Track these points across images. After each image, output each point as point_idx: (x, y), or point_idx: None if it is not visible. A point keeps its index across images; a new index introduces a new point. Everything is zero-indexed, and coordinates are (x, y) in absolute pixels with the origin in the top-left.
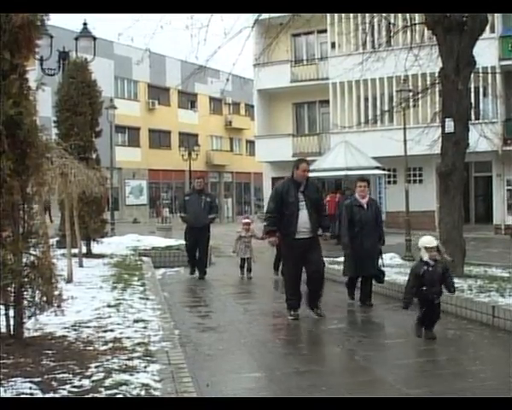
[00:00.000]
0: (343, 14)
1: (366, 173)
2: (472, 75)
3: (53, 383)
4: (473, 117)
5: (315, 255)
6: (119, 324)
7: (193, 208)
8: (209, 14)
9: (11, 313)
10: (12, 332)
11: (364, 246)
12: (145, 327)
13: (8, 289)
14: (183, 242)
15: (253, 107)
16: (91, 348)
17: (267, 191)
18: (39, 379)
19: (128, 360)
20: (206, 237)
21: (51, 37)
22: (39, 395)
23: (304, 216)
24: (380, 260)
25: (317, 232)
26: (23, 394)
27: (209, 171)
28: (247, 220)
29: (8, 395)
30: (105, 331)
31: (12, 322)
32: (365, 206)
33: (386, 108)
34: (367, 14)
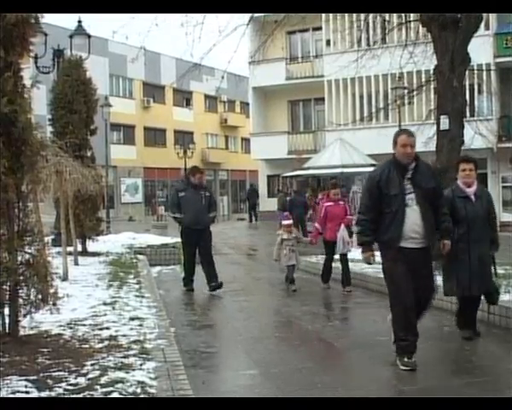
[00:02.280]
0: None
1: (361, 171)
2: (467, 72)
3: (48, 381)
4: (468, 114)
5: (426, 277)
6: (114, 321)
7: (191, 206)
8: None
9: (6, 311)
10: (7, 330)
11: (475, 254)
12: (141, 325)
13: (4, 287)
14: (179, 239)
15: (248, 104)
16: (87, 345)
17: (263, 189)
18: (35, 377)
19: (124, 357)
20: (210, 241)
21: (46, 34)
22: (35, 393)
23: (414, 215)
24: (493, 272)
25: (433, 239)
26: (18, 392)
27: (204, 169)
28: (288, 222)
29: (4, 393)
30: (101, 329)
31: (7, 320)
32: (472, 197)
33: (381, 105)
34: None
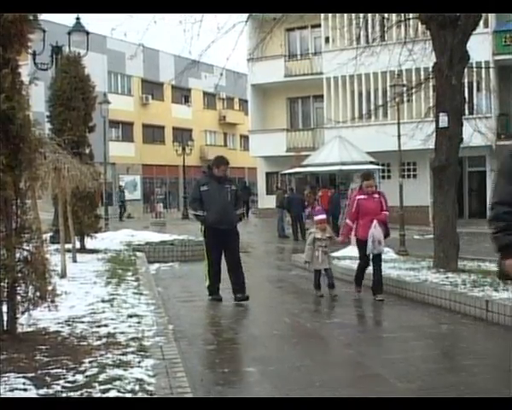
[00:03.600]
0: None
1: (360, 168)
2: (466, 70)
3: (46, 378)
4: (467, 112)
5: None
6: (112, 319)
7: (215, 203)
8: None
9: (4, 308)
10: (5, 328)
11: None
12: (139, 322)
13: (2, 284)
14: (178, 237)
15: (246, 102)
16: (85, 343)
17: (261, 186)
18: (33, 375)
19: (122, 355)
20: (237, 243)
21: (44, 31)
22: (33, 390)
23: None
24: None
25: None
26: (16, 389)
27: (203, 166)
28: (321, 216)
29: (2, 390)
30: (99, 326)
31: (5, 317)
32: None
33: (380, 102)
34: None
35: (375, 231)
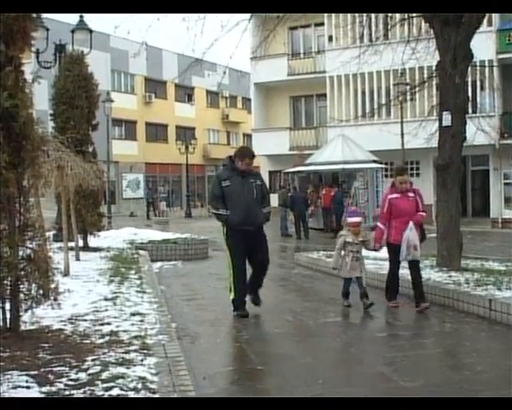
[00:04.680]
0: None
1: (363, 167)
2: (469, 69)
3: (49, 376)
4: (470, 110)
5: None
6: (115, 317)
7: (238, 200)
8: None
9: (7, 306)
10: (8, 325)
11: None
12: (142, 320)
13: (5, 282)
14: (181, 235)
15: (250, 100)
16: (88, 341)
17: None
18: (36, 372)
19: (125, 353)
20: (266, 247)
21: (47, 29)
22: (36, 388)
23: None
24: None
25: None
26: (19, 387)
27: (206, 164)
28: (356, 219)
29: (4, 388)
30: (102, 325)
31: (8, 315)
32: None
33: (383, 101)
34: None
35: (411, 234)
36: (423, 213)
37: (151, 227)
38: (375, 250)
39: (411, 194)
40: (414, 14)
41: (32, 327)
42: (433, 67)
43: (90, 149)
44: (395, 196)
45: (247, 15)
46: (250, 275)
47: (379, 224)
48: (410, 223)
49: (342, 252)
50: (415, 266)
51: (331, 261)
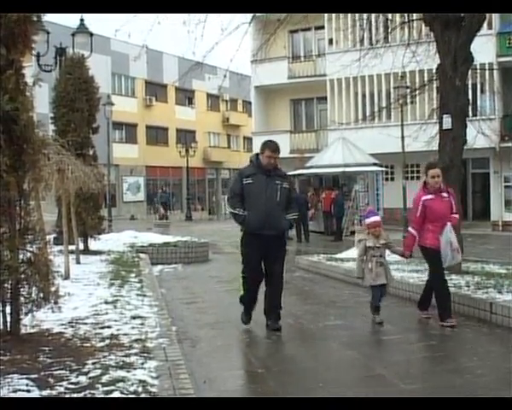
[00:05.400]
0: None
1: (364, 170)
2: (469, 72)
3: (50, 379)
4: (470, 113)
5: None
6: (116, 320)
7: (259, 200)
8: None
9: (8, 309)
10: (9, 329)
11: None
12: (142, 324)
13: (5, 285)
14: (181, 238)
15: (250, 103)
16: (88, 344)
17: None
18: (36, 376)
19: (125, 356)
20: (283, 256)
21: (48, 32)
22: (36, 391)
23: None
24: None
25: None
26: (19, 390)
27: (206, 167)
28: (375, 218)
29: (5, 391)
30: (102, 328)
31: (9, 318)
32: None
33: (383, 104)
34: None
35: (452, 236)
36: (457, 216)
37: (151, 230)
38: (404, 256)
39: (445, 194)
40: (414, 17)
41: (32, 330)
42: (434, 70)
43: (91, 152)
44: (429, 197)
45: (248, 19)
46: (265, 291)
47: (410, 229)
48: (448, 224)
49: (364, 258)
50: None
51: (329, 264)
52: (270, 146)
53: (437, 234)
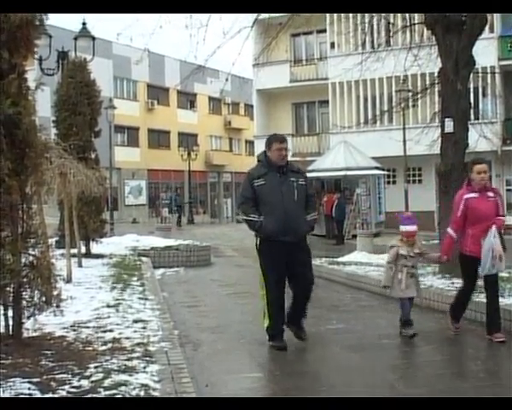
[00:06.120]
0: (342, 14)
1: (365, 174)
2: (471, 75)
3: (52, 383)
4: (472, 117)
5: None
6: (118, 324)
7: (276, 202)
8: (208, 14)
9: (10, 313)
10: (11, 332)
11: None
12: (144, 327)
13: (7, 289)
14: (183, 242)
15: (252, 107)
16: (90, 348)
17: None
18: (38, 380)
19: (127, 360)
20: (309, 262)
21: (50, 36)
22: (38, 395)
23: None
24: None
25: None
26: (22, 394)
27: (208, 171)
28: (412, 228)
29: (7, 395)
30: (104, 332)
31: (11, 322)
32: None
33: (385, 108)
34: (366, 14)
35: (495, 241)
36: (504, 218)
37: (153, 234)
38: (440, 262)
39: (491, 194)
40: (416, 21)
41: (34, 334)
42: (436, 74)
43: (93, 156)
44: (473, 195)
45: (250, 23)
46: (290, 301)
47: (450, 230)
48: (493, 228)
49: (394, 267)
50: (492, 282)
51: (332, 268)
52: (277, 138)
53: (478, 239)
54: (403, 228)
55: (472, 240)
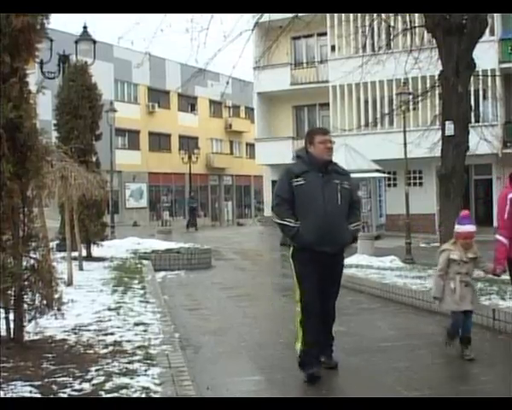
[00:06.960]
0: (343, 17)
1: (366, 176)
2: (472, 78)
3: (53, 386)
4: (473, 120)
5: None
6: (119, 327)
7: (316, 206)
8: (209, 17)
9: (11, 316)
10: (12, 336)
11: None
12: (145, 330)
13: (9, 292)
14: (184, 245)
15: (253, 110)
16: (91, 351)
17: (267, 194)
18: (39, 383)
19: (128, 363)
20: (340, 275)
21: (51, 40)
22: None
23: None
24: None
25: None
26: (23, 397)
27: (209, 174)
28: (471, 228)
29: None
30: (105, 335)
31: (12, 325)
32: None
33: (386, 110)
34: (367, 17)
35: None
36: None
37: (154, 237)
38: (495, 274)
39: None
40: (416, 24)
41: (35, 337)
42: (436, 77)
43: (94, 159)
44: None
45: (251, 25)
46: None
47: (499, 237)
48: None
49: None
50: None
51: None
52: (320, 129)
53: None
54: (460, 228)
55: None
